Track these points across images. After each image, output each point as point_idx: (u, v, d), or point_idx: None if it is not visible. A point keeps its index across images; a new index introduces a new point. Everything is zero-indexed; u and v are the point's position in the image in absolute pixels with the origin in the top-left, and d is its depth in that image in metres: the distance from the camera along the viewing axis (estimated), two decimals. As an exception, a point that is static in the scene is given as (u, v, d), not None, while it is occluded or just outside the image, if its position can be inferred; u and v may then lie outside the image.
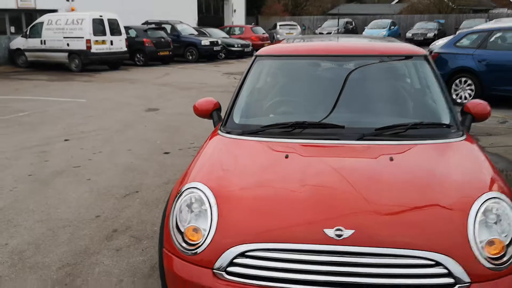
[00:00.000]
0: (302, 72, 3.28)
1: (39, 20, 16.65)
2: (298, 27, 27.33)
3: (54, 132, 7.33)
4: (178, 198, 2.30)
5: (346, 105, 2.94)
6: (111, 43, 15.92)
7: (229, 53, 20.63)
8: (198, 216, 2.19)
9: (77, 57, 15.64)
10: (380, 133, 2.68)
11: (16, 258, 3.36)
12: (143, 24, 19.60)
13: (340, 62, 3.21)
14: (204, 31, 20.98)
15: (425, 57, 3.12)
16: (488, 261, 1.98)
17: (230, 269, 2.02)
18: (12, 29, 18.20)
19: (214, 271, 2.04)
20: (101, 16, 15.72)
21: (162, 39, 17.88)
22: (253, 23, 27.87)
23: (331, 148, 2.62)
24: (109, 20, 15.89)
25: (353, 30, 29.47)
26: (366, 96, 2.99)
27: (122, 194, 4.50)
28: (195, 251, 2.10)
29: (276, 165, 2.45)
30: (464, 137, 2.74)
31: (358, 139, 2.63)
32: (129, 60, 17.30)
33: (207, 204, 2.19)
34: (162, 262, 2.26)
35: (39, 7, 18.37)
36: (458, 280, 1.92)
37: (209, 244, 2.09)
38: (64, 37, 15.78)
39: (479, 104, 3.07)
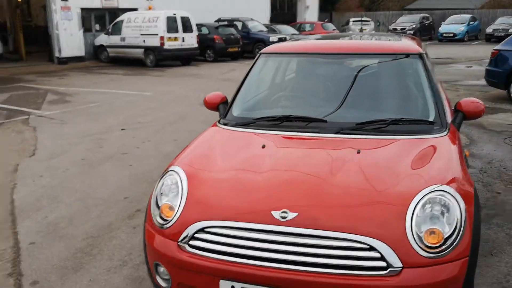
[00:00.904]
0: (299, 69, 3.51)
1: (119, 18, 17.83)
2: (372, 23, 26.91)
3: (115, 122, 7.99)
4: (160, 179, 2.63)
5: (335, 100, 3.12)
6: (183, 40, 16.71)
7: (299, 50, 20.75)
8: (174, 196, 2.50)
9: (152, 53, 16.58)
10: (360, 128, 2.84)
11: (51, 228, 3.87)
12: (216, 21, 20.29)
13: (336, 60, 3.37)
14: (274, 28, 21.30)
15: (420, 56, 3.21)
16: (423, 249, 2.11)
17: (192, 242, 2.31)
18: (97, 27, 19.58)
19: (179, 243, 2.34)
20: (174, 14, 16.55)
21: (232, 36, 18.44)
22: (326, 20, 27.79)
23: (308, 140, 2.82)
24: (182, 18, 16.69)
25: (430, 26, 28.43)
26: (355, 93, 3.13)
27: (154, 179, 4.92)
28: (166, 225, 2.41)
29: (251, 153, 2.70)
30: (445, 134, 2.82)
31: (335, 133, 2.81)
32: (200, 56, 18.05)
33: (180, 185, 2.50)
34: (144, 236, 2.59)
35: (121, 6, 19.62)
36: (389, 265, 2.07)
37: (177, 219, 2.39)
38: (141, 34, 16.79)
39: (472, 103, 3.11)
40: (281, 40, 19.64)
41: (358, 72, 3.21)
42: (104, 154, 6.01)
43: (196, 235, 2.31)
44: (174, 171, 2.61)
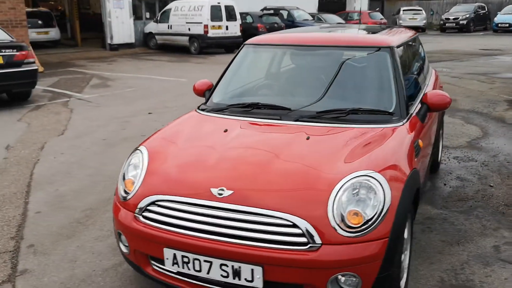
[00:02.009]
0: (276, 60, 3.68)
1: (168, 7, 18.42)
2: (423, 12, 26.16)
3: (145, 106, 8.43)
4: (128, 157, 2.93)
5: (304, 90, 3.29)
6: (227, 28, 17.05)
7: (344, 39, 20.61)
8: (136, 172, 2.78)
9: (196, 41, 17.04)
10: (319, 116, 3.01)
11: (58, 200, 4.29)
12: (261, 10, 20.48)
13: (309, 52, 3.52)
14: (320, 17, 21.23)
15: (390, 49, 3.30)
16: (343, 229, 2.27)
17: (145, 213, 2.58)
18: (147, 15, 20.27)
19: (135, 214, 2.62)
20: (219, 3, 16.90)
21: (276, 25, 18.58)
22: (377, 9, 27.29)
23: (268, 126, 3.02)
24: (226, 6, 17.02)
25: (485, 15, 27.23)
26: (323, 83, 3.29)
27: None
28: (127, 198, 2.70)
29: (212, 136, 2.94)
30: (401, 124, 2.94)
31: (295, 120, 2.99)
32: (244, 44, 18.31)
33: (141, 162, 2.78)
34: (112, 208, 2.89)
35: (171, -6, 20.19)
36: (309, 241, 2.26)
37: (135, 193, 2.67)
38: (186, 22, 17.29)
39: (436, 96, 3.19)
40: (325, 29, 19.56)
41: (328, 63, 3.37)
42: (124, 135, 6.42)
43: (148, 207, 2.57)
44: (139, 150, 2.90)
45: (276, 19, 19.02)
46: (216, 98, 3.52)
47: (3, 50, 8.34)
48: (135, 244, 2.64)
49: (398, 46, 3.41)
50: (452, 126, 6.63)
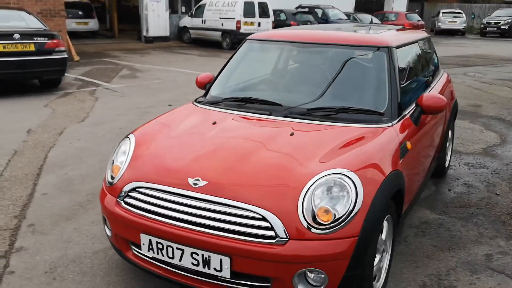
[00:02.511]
0: (275, 56, 3.71)
1: (203, 1, 18.61)
2: (463, 15, 25.47)
3: (167, 97, 8.58)
4: (118, 144, 3.01)
5: (299, 86, 3.32)
6: (259, 24, 17.09)
7: (378, 40, 20.35)
8: (123, 159, 2.86)
9: (228, 36, 17.17)
10: (309, 113, 3.02)
11: (65, 184, 4.44)
12: (296, 7, 20.43)
13: (307, 49, 3.52)
14: (356, 17, 21.00)
15: (389, 49, 3.27)
16: (311, 225, 2.28)
17: (126, 199, 2.66)
18: (183, 9, 20.55)
19: (117, 199, 2.70)
20: (252, -1, 16.96)
21: (309, 23, 18.50)
22: (416, 10, 26.75)
23: (257, 120, 3.05)
24: (259, 3, 17.07)
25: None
26: (317, 80, 3.29)
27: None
28: (113, 183, 2.79)
29: (200, 128, 3.00)
30: (390, 125, 2.91)
31: (283, 116, 3.01)
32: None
33: (128, 150, 2.86)
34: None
35: (207, -11, 20.38)
36: (277, 235, 2.28)
37: (119, 179, 2.75)
38: (219, 18, 17.44)
39: (431, 98, 3.13)
40: (359, 29, 19.36)
41: (325, 61, 3.37)
42: (140, 124, 6.54)
43: (130, 194, 2.65)
44: (128, 137, 2.98)
45: (310, 17, 18.94)
46: (214, 91, 3.57)
47: (35, 38, 8.65)
48: (117, 228, 2.72)
49: (398, 47, 3.37)
50: (471, 132, 6.48)
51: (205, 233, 2.36)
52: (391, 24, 21.65)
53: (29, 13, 9.82)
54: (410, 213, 3.92)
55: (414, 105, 3.26)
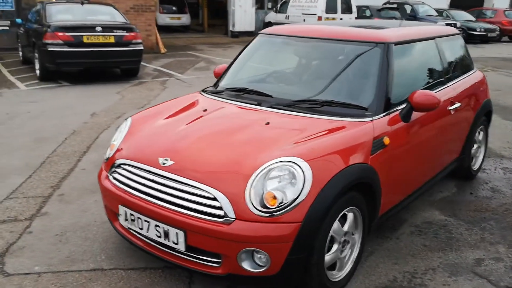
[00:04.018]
0: (280, 50, 3.83)
1: (288, -3, 18.82)
2: None
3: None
4: (119, 126, 3.35)
5: (294, 79, 3.45)
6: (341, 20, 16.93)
7: (470, 37, 19.23)
8: (119, 138, 3.19)
9: (310, 32, 17.20)
10: (294, 105, 3.14)
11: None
12: (385, 3, 19.93)
13: (309, 44, 3.60)
14: (448, 13, 20.00)
15: (385, 46, 3.26)
16: (257, 208, 2.43)
17: (113, 174, 2.99)
18: (269, 5, 20.91)
19: (108, 174, 3.04)
20: (335, -5, 16.86)
21: (394, 19, 17.94)
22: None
23: (244, 110, 3.21)
24: (342, -1, 16.91)
25: None
26: (313, 74, 3.38)
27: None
28: (107, 159, 3.13)
29: (190, 113, 3.25)
30: (369, 120, 2.95)
31: (269, 107, 3.16)
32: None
33: (123, 130, 3.19)
34: None
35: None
36: (226, 214, 2.46)
37: (111, 155, 3.09)
38: (302, 13, 17.56)
39: (422, 96, 3.08)
40: (448, 25, 18.44)
41: (323, 56, 3.46)
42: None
43: (116, 169, 2.98)
44: (127, 119, 3.31)
45: (396, 13, 18.40)
46: (222, 82, 3.80)
47: (115, 31, 9.43)
48: (106, 200, 3.06)
49: (398, 43, 3.35)
50: (527, 137, 6.08)
51: (165, 208, 2.61)
52: (488, 22, 20.38)
53: (116, 9, 10.68)
54: (416, 212, 3.88)
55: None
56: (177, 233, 2.58)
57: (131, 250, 3.22)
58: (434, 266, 3.13)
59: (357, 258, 2.94)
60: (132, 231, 2.88)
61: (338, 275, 2.82)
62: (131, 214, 2.78)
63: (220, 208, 2.48)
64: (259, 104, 3.22)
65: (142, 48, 9.84)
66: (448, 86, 3.87)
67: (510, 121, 6.87)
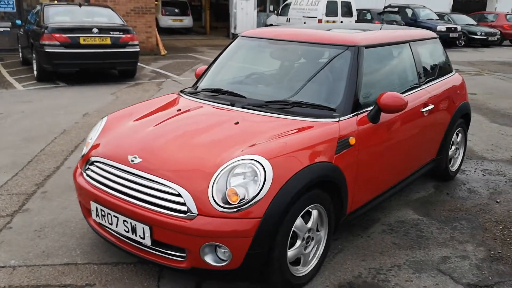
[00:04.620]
0: (256, 52, 3.92)
1: (289, 0, 18.91)
2: None
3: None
4: (95, 125, 3.45)
5: (268, 81, 3.53)
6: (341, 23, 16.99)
7: (471, 41, 19.27)
8: (93, 136, 3.29)
9: (310, 35, 17.28)
10: (266, 105, 3.22)
11: (89, 161, 5.00)
12: (385, 7, 19.98)
13: (283, 46, 3.69)
14: (449, 17, 20.03)
15: (355, 49, 3.33)
16: (219, 204, 2.51)
17: (87, 171, 3.08)
18: (271, 8, 21.03)
19: (81, 171, 3.14)
20: (335, -2, 16.95)
21: (394, 23, 18.01)
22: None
23: (218, 109, 3.29)
24: (342, 2, 17.00)
25: None
26: (285, 76, 3.46)
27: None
28: (82, 156, 3.23)
29: (164, 113, 3.34)
30: (336, 120, 3.03)
31: (241, 107, 3.24)
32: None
33: (98, 129, 3.29)
34: None
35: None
36: (189, 210, 2.54)
37: (85, 153, 3.19)
38: (303, 16, 17.64)
39: (389, 97, 3.14)
40: (449, 29, 18.51)
41: (297, 58, 3.55)
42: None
43: (90, 166, 3.07)
44: (102, 119, 3.41)
45: (396, 17, 18.45)
46: (200, 83, 3.89)
47: (111, 32, 9.55)
48: (80, 197, 3.16)
49: (369, 47, 3.43)
50: (511, 140, 6.13)
51: (133, 203, 2.69)
52: (489, 26, 20.38)
53: (114, 11, 10.82)
54: (390, 212, 3.95)
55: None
56: (143, 228, 2.66)
57: (106, 245, 3.31)
58: (400, 263, 3.19)
59: (322, 254, 3.02)
60: (104, 226, 2.97)
61: (302, 270, 2.90)
62: (102, 210, 2.87)
63: (184, 204, 2.56)
64: (232, 105, 3.30)
65: (138, 49, 9.96)
66: (422, 89, 3.94)
67: (498, 124, 6.92)
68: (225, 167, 2.59)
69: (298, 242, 2.79)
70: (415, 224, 3.76)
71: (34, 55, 9.66)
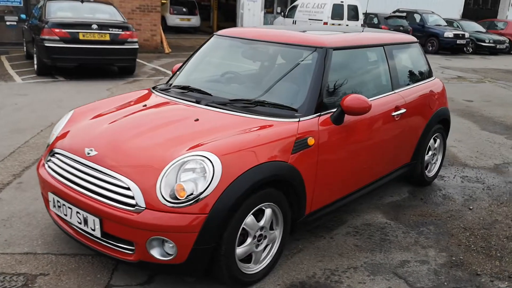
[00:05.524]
0: (230, 51, 3.93)
1: (296, 2, 18.91)
2: None
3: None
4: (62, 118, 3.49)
5: (235, 79, 3.56)
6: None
7: (478, 48, 19.12)
8: (58, 128, 3.33)
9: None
10: (230, 104, 3.23)
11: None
12: (394, 12, 19.90)
13: (255, 46, 3.71)
14: (458, 24, 19.89)
15: (324, 50, 3.32)
16: (166, 199, 2.53)
17: (48, 162, 3.12)
18: (279, 9, 21.04)
19: (43, 162, 3.18)
20: (342, 1, 16.90)
21: (401, 28, 17.91)
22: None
23: (183, 106, 3.31)
24: (349, 6, 16.94)
25: None
26: (253, 75, 3.48)
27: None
28: (47, 148, 3.27)
29: (130, 108, 3.37)
30: (296, 121, 3.03)
31: (205, 105, 3.26)
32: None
33: (63, 121, 3.33)
34: None
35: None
36: (137, 204, 2.56)
37: (49, 145, 3.23)
38: (308, 19, 17.61)
39: (353, 99, 3.12)
40: (456, 36, 18.37)
41: (266, 58, 3.58)
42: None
43: (51, 157, 3.11)
44: (69, 112, 3.45)
45: (404, 22, 18.35)
46: (173, 79, 3.91)
47: (110, 29, 9.63)
48: (41, 187, 3.20)
49: (338, 49, 3.43)
50: (498, 147, 6.08)
51: (85, 195, 2.73)
52: (498, 34, 20.21)
53: (115, 8, 10.90)
54: (359, 214, 3.94)
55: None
56: (94, 220, 2.69)
57: (68, 237, 3.34)
58: (357, 265, 3.19)
59: (277, 253, 3.02)
60: (60, 217, 3.01)
61: (254, 268, 2.91)
62: (58, 201, 2.91)
63: (133, 198, 2.59)
64: (197, 102, 3.31)
65: (137, 47, 10.03)
66: (395, 92, 3.92)
67: (488, 132, 6.86)
68: (174, 163, 2.61)
69: (249, 240, 2.80)
70: (381, 228, 3.75)
71: (35, 49, 9.77)
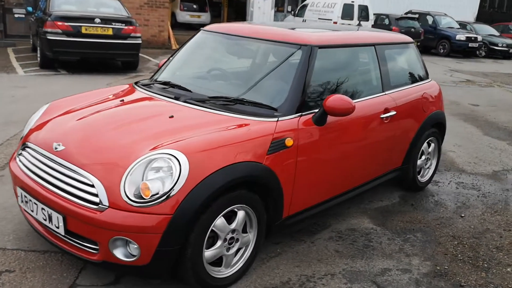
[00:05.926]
0: (215, 47, 3.81)
1: (306, 1, 18.75)
2: None
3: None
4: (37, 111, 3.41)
5: (217, 76, 3.44)
6: (356, 27, 16.76)
7: (491, 52, 18.79)
8: (32, 121, 3.25)
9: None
10: (209, 101, 3.12)
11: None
12: (406, 13, 19.65)
13: (240, 42, 3.59)
14: (471, 27, 19.57)
15: (308, 48, 3.20)
16: (129, 198, 2.43)
17: (19, 156, 3.05)
18: (289, 8, 20.88)
19: (16, 155, 3.10)
20: (352, 1, 16.71)
21: (412, 29, 17.65)
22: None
23: (161, 102, 3.21)
24: (359, 6, 16.74)
25: None
26: (236, 72, 3.37)
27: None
28: (20, 140, 3.19)
29: (107, 103, 3.27)
30: (275, 120, 2.91)
31: (183, 101, 3.16)
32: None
33: (38, 114, 3.25)
34: None
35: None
36: (101, 202, 2.47)
37: (22, 137, 3.15)
38: (318, 18, 17.44)
39: (336, 100, 2.98)
40: (469, 39, 18.09)
41: (250, 55, 3.47)
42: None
43: (22, 151, 3.03)
44: (45, 105, 3.37)
45: (415, 23, 18.09)
46: (156, 75, 3.81)
47: (114, 23, 9.58)
48: (12, 181, 3.12)
49: (323, 47, 3.30)
50: (499, 153, 5.90)
51: (50, 191, 2.64)
52: (510, 37, 19.87)
53: (121, 3, 10.85)
54: (345, 219, 3.82)
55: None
56: (58, 217, 2.60)
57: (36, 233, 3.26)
58: (336, 271, 3.07)
59: (250, 257, 2.91)
60: (28, 213, 2.93)
61: (225, 272, 2.80)
62: (25, 196, 2.83)
63: (96, 195, 2.49)
64: (176, 98, 3.21)
65: (140, 42, 9.97)
66: (385, 94, 3.79)
67: (490, 137, 6.67)
68: (140, 161, 2.51)
69: (219, 243, 2.69)
70: (366, 233, 3.62)
71: (38, 42, 9.76)
